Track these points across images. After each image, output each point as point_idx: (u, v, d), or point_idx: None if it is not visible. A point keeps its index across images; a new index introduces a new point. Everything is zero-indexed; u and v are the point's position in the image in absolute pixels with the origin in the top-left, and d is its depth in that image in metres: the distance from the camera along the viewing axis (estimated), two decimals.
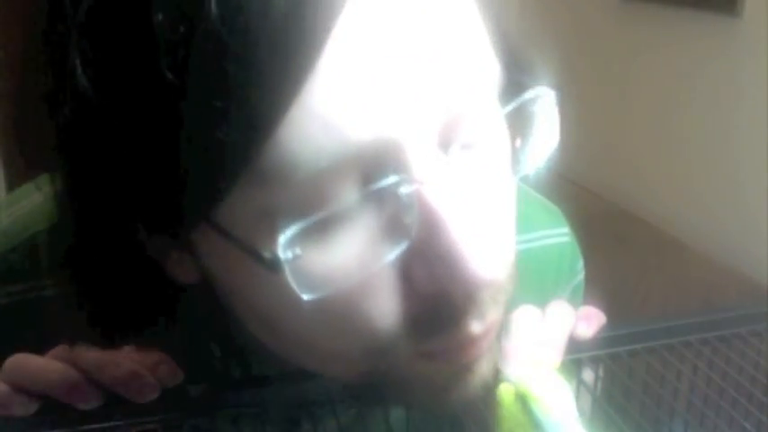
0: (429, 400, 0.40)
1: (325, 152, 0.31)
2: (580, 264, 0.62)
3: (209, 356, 0.48)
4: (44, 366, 0.40)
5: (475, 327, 0.37)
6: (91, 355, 0.40)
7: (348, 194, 0.33)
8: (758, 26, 1.39)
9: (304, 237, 0.32)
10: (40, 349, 0.41)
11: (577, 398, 0.47)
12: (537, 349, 0.45)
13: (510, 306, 0.52)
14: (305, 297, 0.32)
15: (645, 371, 0.46)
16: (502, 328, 0.41)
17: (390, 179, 0.32)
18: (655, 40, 1.68)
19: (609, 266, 1.52)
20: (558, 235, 0.60)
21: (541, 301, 0.54)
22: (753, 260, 1.42)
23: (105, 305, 0.40)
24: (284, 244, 0.32)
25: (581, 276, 0.62)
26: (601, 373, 0.48)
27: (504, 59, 0.36)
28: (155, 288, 0.40)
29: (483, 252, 0.33)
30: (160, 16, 0.30)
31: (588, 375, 0.48)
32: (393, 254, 0.33)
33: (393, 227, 0.33)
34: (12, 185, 1.98)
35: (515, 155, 0.38)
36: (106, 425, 0.39)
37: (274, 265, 0.32)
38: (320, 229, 0.33)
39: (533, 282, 0.57)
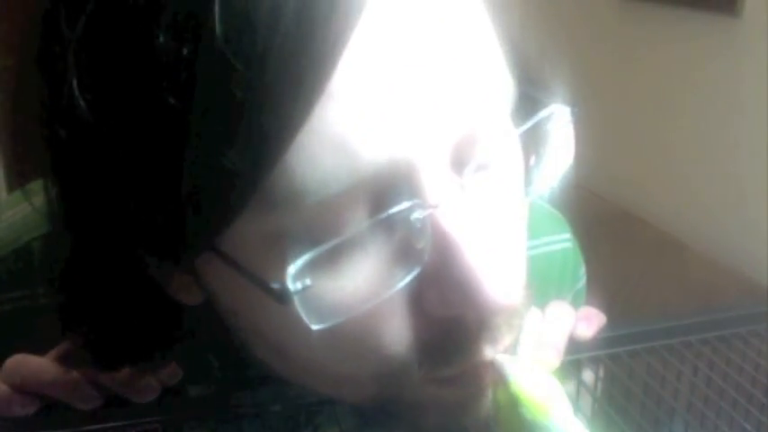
0: (441, 423, 0.39)
1: (336, 178, 0.30)
2: (582, 269, 0.62)
3: (208, 367, 0.47)
4: (44, 366, 0.40)
5: (488, 352, 0.36)
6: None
7: (359, 221, 0.31)
8: (758, 26, 1.39)
9: (313, 266, 0.31)
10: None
11: (577, 398, 0.47)
12: (537, 349, 0.45)
13: None
14: (314, 327, 0.31)
15: (645, 371, 0.45)
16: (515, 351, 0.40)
17: (403, 205, 0.31)
18: (655, 39, 1.68)
19: (609, 266, 1.52)
20: (562, 241, 0.60)
21: (542, 305, 0.54)
22: (753, 260, 1.42)
23: (101, 327, 0.39)
24: (293, 275, 0.30)
25: (583, 281, 0.63)
26: (601, 373, 0.48)
27: (517, 74, 0.35)
28: (155, 309, 0.38)
29: (498, 277, 0.32)
30: (162, 37, 0.28)
31: (588, 376, 0.48)
32: (405, 279, 0.32)
33: (405, 252, 0.32)
34: (12, 187, 1.97)
35: (528, 174, 0.37)
36: (106, 425, 0.39)
37: (283, 297, 0.30)
38: (330, 258, 0.31)
39: (537, 288, 0.57)
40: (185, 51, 0.28)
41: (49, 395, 0.40)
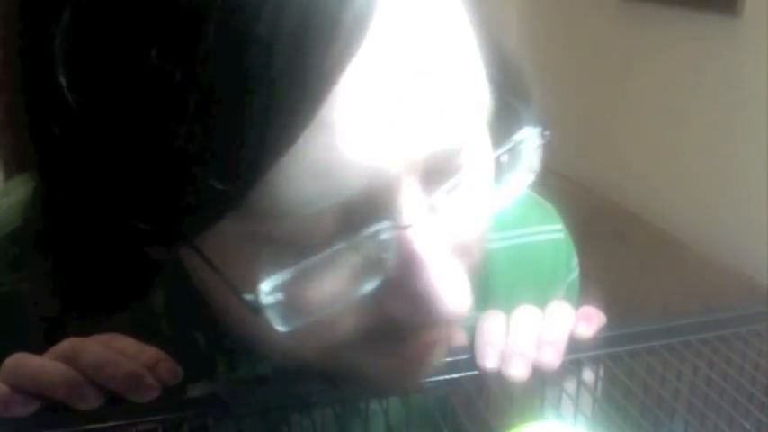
0: (384, 385, 0.42)
1: (313, 201, 0.31)
2: (575, 260, 0.62)
3: (194, 345, 0.48)
4: (44, 366, 0.40)
5: (429, 336, 0.38)
6: (91, 355, 0.40)
7: (333, 240, 0.33)
8: (758, 26, 1.39)
9: (285, 281, 0.32)
10: (16, 341, 0.41)
11: (577, 398, 0.47)
12: (537, 349, 0.45)
13: (507, 304, 0.53)
14: (280, 329, 0.33)
15: (645, 371, 0.45)
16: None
17: (376, 227, 0.33)
18: (654, 40, 1.68)
19: (609, 266, 1.52)
20: (552, 231, 0.60)
21: (537, 297, 0.54)
22: (753, 260, 1.42)
23: (81, 281, 0.40)
24: (266, 291, 0.32)
25: (576, 273, 0.62)
26: (601, 373, 0.48)
27: (498, 80, 0.36)
28: (134, 263, 0.39)
29: (455, 292, 0.34)
30: (155, 55, 0.28)
31: (588, 375, 0.48)
32: (369, 287, 0.34)
33: (371, 262, 0.34)
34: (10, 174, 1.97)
35: (495, 188, 0.38)
36: (106, 425, 0.39)
37: (255, 308, 0.32)
38: (301, 272, 0.33)
39: (527, 277, 0.57)
40: (177, 74, 0.28)
41: (49, 395, 0.40)
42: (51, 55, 0.31)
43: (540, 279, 0.59)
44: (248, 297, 0.32)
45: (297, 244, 0.32)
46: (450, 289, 0.34)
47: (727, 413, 0.43)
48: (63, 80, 0.31)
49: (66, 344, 0.41)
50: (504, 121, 0.37)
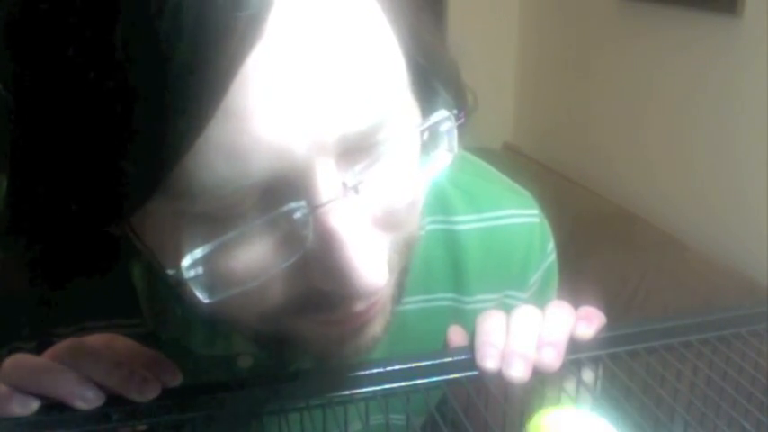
0: (323, 352, 0.43)
1: (229, 181, 0.33)
2: (551, 245, 0.62)
3: (173, 318, 0.50)
4: (43, 366, 0.40)
5: (358, 306, 0.39)
6: (91, 356, 0.40)
7: (250, 218, 0.35)
8: (758, 26, 1.39)
9: (205, 256, 0.35)
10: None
11: (577, 398, 0.47)
12: (537, 349, 0.45)
13: (480, 285, 0.55)
14: (205, 300, 0.35)
15: (645, 371, 0.45)
16: (399, 292, 0.44)
17: (290, 206, 0.34)
18: (655, 40, 1.68)
19: (609, 266, 1.52)
20: (527, 216, 0.60)
21: (510, 279, 0.57)
22: (753, 260, 1.42)
23: (51, 255, 0.41)
24: (187, 266, 0.34)
25: (553, 257, 0.62)
26: (601, 373, 0.48)
27: (417, 59, 0.38)
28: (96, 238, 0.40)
29: (373, 266, 0.35)
30: (72, 49, 0.31)
31: (588, 376, 0.48)
32: (289, 261, 0.36)
33: (290, 237, 0.35)
34: None
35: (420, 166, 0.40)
36: (106, 425, 0.39)
37: (178, 282, 0.34)
38: (221, 247, 0.35)
39: (499, 260, 0.58)
40: (92, 71, 0.31)
41: (49, 395, 0.40)
42: None
43: (513, 262, 0.59)
44: (171, 271, 0.35)
45: (217, 220, 0.34)
46: (366, 263, 0.35)
47: (727, 413, 0.43)
48: None
49: (66, 344, 0.41)
50: (431, 103, 0.40)
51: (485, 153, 0.65)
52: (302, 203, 0.34)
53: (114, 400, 0.40)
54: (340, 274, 0.35)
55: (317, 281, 0.37)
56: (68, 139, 0.33)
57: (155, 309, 0.50)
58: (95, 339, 0.42)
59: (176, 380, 0.41)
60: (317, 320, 0.40)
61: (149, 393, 0.40)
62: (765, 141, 1.38)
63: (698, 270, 1.43)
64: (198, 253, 0.35)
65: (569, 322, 0.46)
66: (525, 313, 0.47)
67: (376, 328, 0.43)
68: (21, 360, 0.40)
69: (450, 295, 0.58)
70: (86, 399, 0.39)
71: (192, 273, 0.35)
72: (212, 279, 0.35)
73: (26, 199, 0.37)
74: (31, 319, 0.49)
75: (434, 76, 0.41)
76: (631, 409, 0.43)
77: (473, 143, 0.50)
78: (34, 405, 0.40)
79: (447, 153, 0.39)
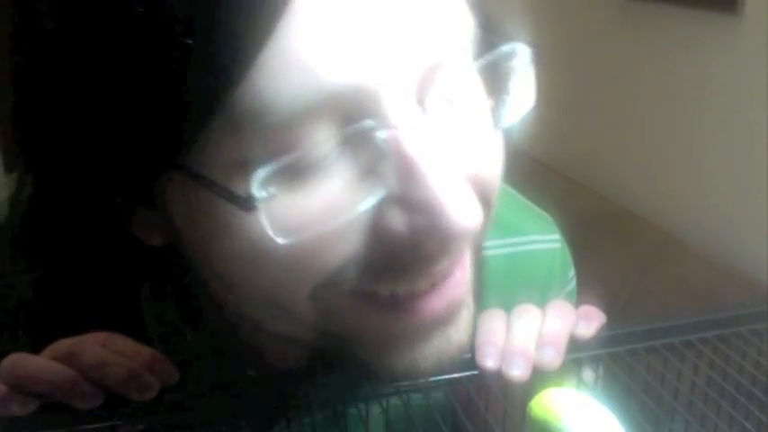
0: (391, 361, 0.39)
1: (299, 96, 0.30)
2: (572, 272, 0.62)
3: (181, 344, 0.48)
4: (42, 366, 0.40)
5: (442, 264, 0.36)
6: (90, 355, 0.40)
7: (322, 139, 0.32)
8: (759, 25, 1.39)
9: (279, 178, 0.31)
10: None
11: None
12: (537, 349, 0.45)
13: (506, 310, 0.52)
14: (278, 240, 0.31)
15: (645, 370, 0.45)
16: (478, 291, 0.41)
17: (365, 123, 0.32)
18: (656, 38, 1.68)
19: (609, 266, 1.52)
20: (549, 241, 0.60)
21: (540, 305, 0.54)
22: (753, 260, 1.42)
23: (67, 270, 0.40)
24: (258, 183, 0.31)
25: (573, 284, 0.62)
26: (601, 372, 0.48)
27: (479, 19, 0.36)
28: (119, 249, 0.39)
29: (462, 201, 0.32)
30: None
31: (588, 375, 0.48)
32: (369, 203, 0.33)
33: (369, 175, 0.33)
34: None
35: (493, 110, 0.37)
36: (106, 425, 0.39)
37: (248, 204, 0.31)
38: (294, 174, 0.32)
39: (521, 286, 0.57)
40: None
41: (48, 395, 0.40)
42: None
43: (534, 289, 0.58)
44: (240, 193, 0.31)
45: (286, 155, 0.31)
46: (455, 199, 0.32)
47: (728, 412, 0.43)
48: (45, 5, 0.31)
49: (65, 343, 0.41)
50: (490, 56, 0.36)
51: None
52: (379, 121, 0.32)
53: (114, 400, 0.40)
54: (424, 210, 0.32)
55: (400, 229, 0.33)
56: (120, 51, 0.30)
57: (164, 332, 0.47)
58: (94, 338, 0.42)
59: (175, 379, 0.41)
60: (376, 299, 0.36)
61: (148, 393, 0.40)
62: (765, 141, 1.38)
63: (698, 270, 1.43)
64: (271, 168, 0.31)
65: (569, 321, 0.46)
66: (525, 312, 0.47)
67: (461, 329, 0.39)
68: (20, 360, 0.40)
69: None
70: (85, 399, 0.39)
71: (264, 194, 0.31)
72: (284, 214, 0.32)
73: (61, 170, 0.34)
74: (32, 336, 0.47)
75: (493, 32, 0.37)
76: (632, 409, 0.43)
77: None
78: (33, 405, 0.40)
79: (525, 98, 0.36)
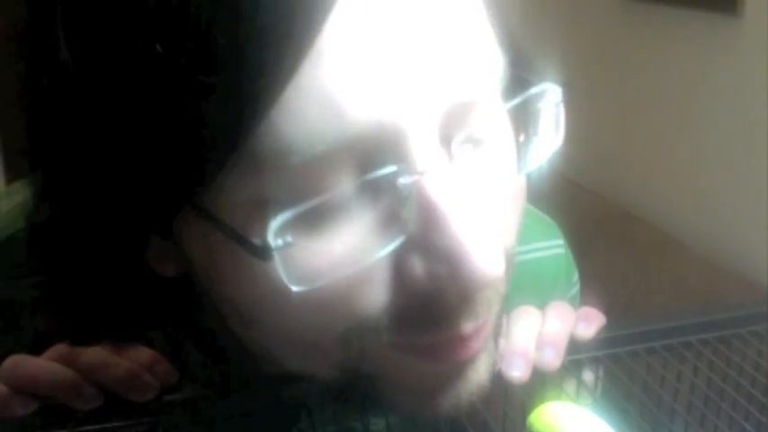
0: (415, 403, 0.38)
1: (322, 137, 0.29)
2: (575, 276, 0.62)
3: (185, 358, 0.46)
4: (43, 367, 0.40)
5: (466, 326, 0.35)
6: (90, 356, 0.40)
7: (344, 183, 0.31)
8: (759, 25, 1.39)
9: (296, 225, 0.30)
10: (11, 351, 0.40)
11: (577, 398, 0.47)
12: (537, 349, 0.45)
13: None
14: (294, 288, 0.30)
15: (645, 371, 0.45)
16: (498, 332, 0.40)
17: (389, 168, 0.30)
18: (655, 39, 1.68)
19: (609, 266, 1.52)
20: (553, 247, 0.60)
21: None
22: (753, 260, 1.42)
23: (81, 300, 0.39)
24: (275, 230, 0.30)
25: (577, 288, 0.62)
26: (601, 373, 0.48)
27: (508, 55, 0.34)
28: (133, 281, 0.38)
29: (484, 249, 0.31)
30: None
31: (588, 376, 0.48)
32: (388, 248, 0.32)
33: (389, 219, 0.32)
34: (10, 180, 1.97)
35: (519, 151, 0.36)
36: (106, 425, 0.39)
37: (264, 253, 0.30)
38: (313, 219, 0.31)
39: (529, 294, 0.57)
40: (173, 2, 0.28)
41: (49, 395, 0.40)
42: (52, 13, 0.31)
43: (540, 296, 0.57)
44: (256, 241, 0.30)
45: (308, 191, 0.30)
46: (477, 247, 0.31)
47: (727, 414, 0.43)
48: (61, 32, 0.30)
49: (64, 345, 0.41)
50: (520, 92, 0.35)
51: None
52: (403, 166, 0.30)
53: (113, 401, 0.40)
54: (447, 258, 0.31)
55: (420, 277, 0.32)
56: (140, 88, 0.29)
57: (166, 350, 0.45)
58: None
59: (174, 380, 0.41)
60: (412, 347, 0.35)
61: (148, 393, 0.40)
62: (765, 141, 1.38)
63: (698, 270, 1.43)
64: (288, 215, 0.29)
65: (569, 323, 0.46)
66: (525, 314, 0.47)
67: (481, 371, 0.37)
68: (20, 360, 0.40)
69: None
70: (85, 399, 0.39)
71: (280, 242, 0.30)
72: (300, 261, 0.31)
73: (77, 189, 0.33)
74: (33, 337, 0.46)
75: (521, 67, 0.36)
76: (631, 410, 0.43)
77: None
78: (33, 405, 0.40)
79: (553, 138, 0.35)
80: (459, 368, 0.37)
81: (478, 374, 0.38)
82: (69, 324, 0.40)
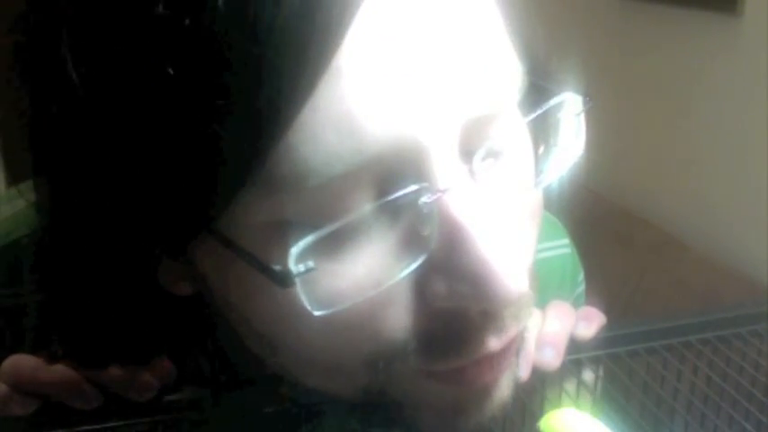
0: (439, 422, 0.37)
1: (340, 158, 0.28)
2: (581, 275, 0.62)
3: (198, 372, 0.46)
4: (43, 366, 0.40)
5: (492, 344, 0.34)
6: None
7: (363, 204, 0.30)
8: (759, 25, 1.39)
9: (316, 248, 0.29)
10: (11, 351, 0.40)
11: (577, 398, 0.47)
12: (537, 349, 0.45)
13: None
14: (316, 313, 0.30)
15: (645, 371, 0.45)
16: (522, 346, 0.39)
17: (410, 188, 0.30)
18: (655, 39, 1.67)
19: (609, 266, 1.52)
20: (560, 247, 0.60)
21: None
22: (753, 260, 1.42)
23: (88, 324, 0.38)
24: (296, 257, 0.29)
25: (582, 287, 0.62)
26: (601, 373, 0.48)
27: (527, 64, 0.34)
28: (145, 302, 0.37)
29: (508, 267, 0.30)
30: (161, 6, 0.27)
31: (588, 376, 0.48)
32: (410, 268, 0.31)
33: (411, 239, 0.31)
34: (10, 183, 1.96)
35: (539, 163, 0.36)
36: (106, 425, 0.39)
37: (285, 280, 0.29)
38: (333, 241, 0.30)
39: (536, 294, 0.57)
40: (186, 22, 0.27)
41: (49, 395, 0.40)
42: (59, 35, 0.30)
43: (547, 296, 0.58)
44: (277, 268, 0.29)
45: (326, 215, 0.29)
46: (501, 264, 0.30)
47: (727, 413, 0.43)
48: (68, 54, 0.30)
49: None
50: (539, 103, 0.34)
51: None
52: (425, 185, 0.29)
53: (113, 400, 0.40)
54: (470, 277, 0.30)
55: (442, 297, 0.31)
56: (154, 117, 0.28)
57: (177, 364, 0.43)
58: None
59: (173, 378, 0.41)
60: (434, 373, 0.34)
61: (148, 393, 0.40)
62: (765, 141, 1.38)
63: (698, 270, 1.43)
64: (309, 240, 0.29)
65: (569, 322, 0.46)
66: None
67: (504, 387, 0.37)
68: (20, 360, 0.40)
69: None
70: (86, 399, 0.39)
71: (301, 268, 0.29)
72: (324, 283, 0.30)
73: (84, 204, 0.32)
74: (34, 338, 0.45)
75: (540, 76, 0.36)
76: (631, 410, 0.43)
77: None
78: (33, 405, 0.40)
79: (573, 148, 0.34)
80: (483, 390, 0.36)
81: (502, 392, 0.37)
82: (76, 348, 0.39)
